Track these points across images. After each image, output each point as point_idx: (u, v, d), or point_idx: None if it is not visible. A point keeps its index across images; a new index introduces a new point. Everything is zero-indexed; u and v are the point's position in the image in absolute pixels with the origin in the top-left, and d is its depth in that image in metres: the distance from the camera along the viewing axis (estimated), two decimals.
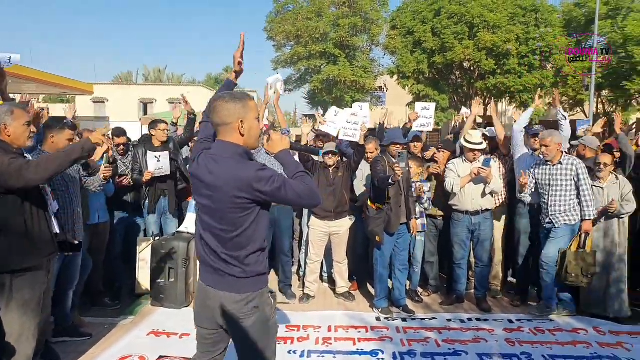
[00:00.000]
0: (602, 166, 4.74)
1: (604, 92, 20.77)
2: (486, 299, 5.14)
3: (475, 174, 4.88)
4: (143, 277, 5.16)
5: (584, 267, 4.51)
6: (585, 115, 20.35)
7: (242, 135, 2.11)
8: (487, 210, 5.05)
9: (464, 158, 5.13)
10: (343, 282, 5.34)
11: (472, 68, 20.90)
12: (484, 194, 4.99)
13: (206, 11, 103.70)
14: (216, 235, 2.11)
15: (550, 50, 19.56)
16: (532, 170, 4.86)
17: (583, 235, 4.61)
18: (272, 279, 5.63)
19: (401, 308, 4.90)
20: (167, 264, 4.86)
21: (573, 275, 4.52)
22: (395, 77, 22.17)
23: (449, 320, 4.66)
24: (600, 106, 21.30)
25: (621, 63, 18.60)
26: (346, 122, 5.16)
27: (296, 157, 5.00)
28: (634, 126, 15.32)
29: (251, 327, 2.13)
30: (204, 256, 2.18)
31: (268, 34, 22.78)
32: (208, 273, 2.18)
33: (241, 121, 2.09)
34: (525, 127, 5.30)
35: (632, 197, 4.68)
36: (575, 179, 4.62)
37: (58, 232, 3.01)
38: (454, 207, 5.09)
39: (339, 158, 5.17)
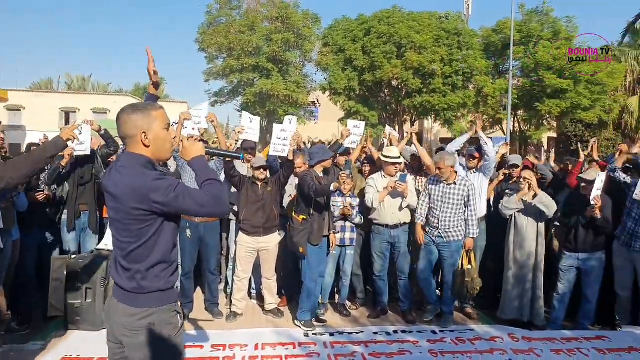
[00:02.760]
0: (523, 180, 5.07)
1: (520, 112, 22.30)
2: (411, 311, 5.29)
3: (391, 187, 5.08)
4: (57, 298, 4.81)
5: (469, 285, 4.86)
6: (504, 132, 21.72)
7: (147, 147, 2.07)
8: (405, 223, 5.27)
9: (383, 173, 5.32)
10: (272, 299, 5.29)
11: (400, 86, 21.70)
12: (401, 208, 5.21)
13: (136, 19, 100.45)
14: (119, 247, 2.07)
15: (471, 72, 20.77)
16: (427, 187, 5.14)
17: (468, 252, 4.97)
18: (199, 298, 5.47)
19: (313, 319, 4.99)
20: (84, 284, 4.58)
21: (468, 292, 4.89)
22: (328, 93, 22.58)
23: (376, 333, 4.73)
24: (516, 125, 22.83)
25: (533, 86, 20.10)
26: (276, 138, 5.18)
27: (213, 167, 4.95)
28: (543, 146, 16.51)
29: (143, 344, 2.04)
30: (112, 268, 2.14)
31: (200, 45, 22.41)
32: (115, 285, 2.14)
33: (144, 132, 2.05)
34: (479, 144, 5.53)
35: (551, 201, 4.99)
36: (466, 199, 4.93)
37: None
38: (374, 221, 5.27)
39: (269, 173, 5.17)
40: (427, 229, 5.12)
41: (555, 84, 18.99)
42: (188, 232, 4.98)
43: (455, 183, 4.93)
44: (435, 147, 5.84)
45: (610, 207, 4.83)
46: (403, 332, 4.78)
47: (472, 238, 4.97)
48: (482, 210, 5.29)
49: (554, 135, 26.47)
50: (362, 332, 4.77)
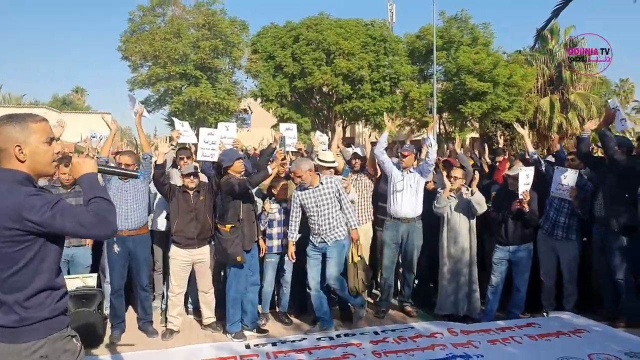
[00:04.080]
0: (453, 179, 5.21)
1: (445, 115, 23.28)
2: (351, 313, 5.30)
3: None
4: None
5: (363, 278, 4.81)
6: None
7: (23, 162, 1.87)
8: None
9: None
10: (210, 312, 5.08)
11: (330, 92, 21.93)
12: None
13: (53, 27, 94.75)
14: None
15: (398, 77, 21.40)
16: (296, 198, 4.94)
17: (356, 243, 4.88)
18: (131, 316, 5.15)
19: (255, 330, 4.89)
20: None
21: (365, 283, 4.88)
22: (259, 99, 22.39)
23: (319, 339, 4.67)
24: (442, 127, 23.81)
25: (456, 89, 21.07)
26: (204, 142, 5.01)
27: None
28: (468, 144, 17.28)
29: None
30: None
31: (123, 53, 21.46)
32: None
33: (18, 146, 1.85)
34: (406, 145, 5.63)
35: (483, 199, 5.18)
36: (337, 196, 4.83)
37: None
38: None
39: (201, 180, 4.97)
40: (311, 237, 4.96)
41: (476, 86, 20.00)
42: (115, 247, 4.68)
43: (321, 183, 4.79)
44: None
45: (536, 199, 5.09)
46: (346, 335, 4.75)
47: (356, 229, 4.86)
48: (418, 209, 5.39)
49: (477, 135, 27.89)
50: (304, 339, 4.69)
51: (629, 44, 76.78)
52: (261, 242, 5.06)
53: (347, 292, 4.88)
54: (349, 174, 5.30)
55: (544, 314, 5.26)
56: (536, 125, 26.75)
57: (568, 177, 5.00)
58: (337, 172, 5.50)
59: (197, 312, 5.28)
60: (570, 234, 5.12)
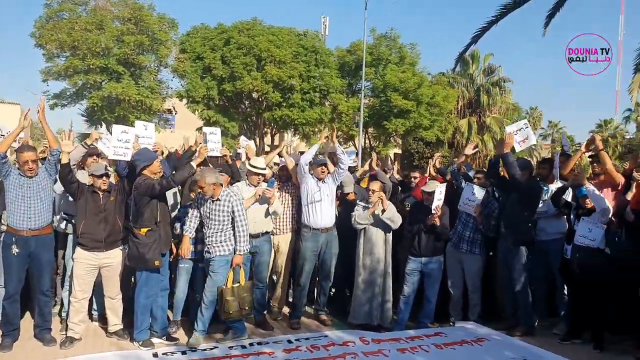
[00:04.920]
0: (371, 193, 5.34)
1: (370, 129, 23.98)
2: (266, 321, 5.27)
3: (259, 195, 5.09)
4: None
5: (241, 302, 4.67)
6: (356, 147, 23.15)
7: None
8: (266, 232, 5.29)
9: (247, 182, 5.33)
10: (116, 319, 4.80)
11: (260, 99, 21.83)
12: (267, 215, 5.24)
13: None
14: None
15: (328, 89, 21.76)
16: (196, 202, 4.91)
17: (236, 268, 4.75)
18: (27, 323, 4.76)
19: (164, 337, 4.75)
20: None
21: (231, 312, 4.63)
22: (185, 100, 21.76)
23: (231, 347, 4.58)
24: (367, 141, 24.50)
25: (382, 106, 21.80)
26: (117, 141, 4.75)
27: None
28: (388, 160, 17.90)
29: None
30: None
31: (37, 40, 19.97)
32: None
33: None
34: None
35: (397, 215, 5.34)
36: (231, 214, 4.71)
37: None
38: None
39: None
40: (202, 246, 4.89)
41: (400, 104, 20.81)
42: (14, 248, 4.32)
43: (219, 199, 4.67)
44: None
45: (448, 214, 5.37)
46: (259, 344, 4.69)
47: (240, 255, 4.71)
48: (334, 217, 5.49)
49: (399, 151, 29.00)
50: (216, 347, 4.57)
51: (536, 75, 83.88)
52: (173, 246, 4.92)
53: (213, 312, 4.72)
54: (275, 185, 5.25)
55: (451, 323, 5.52)
56: (454, 144, 28.35)
57: (476, 194, 5.32)
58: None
59: (103, 319, 4.98)
60: (474, 247, 5.43)
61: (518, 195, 5.21)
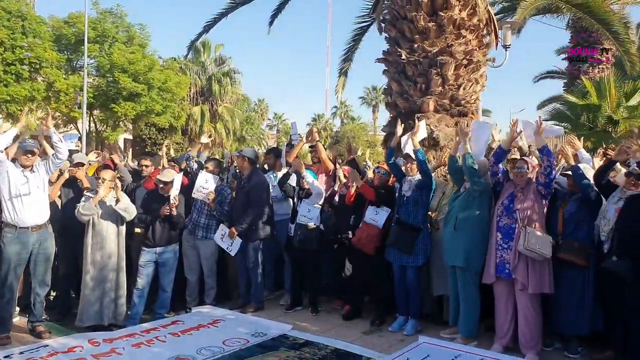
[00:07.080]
0: (101, 181, 4.96)
1: (96, 112, 21.77)
2: None
3: None
4: None
5: None
6: (79, 131, 20.79)
7: None
8: None
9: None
10: None
11: None
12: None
13: None
14: None
15: (40, 63, 18.74)
16: None
17: None
18: None
19: None
20: None
21: None
22: None
23: None
24: (93, 125, 22.20)
25: (109, 87, 20.03)
26: None
27: None
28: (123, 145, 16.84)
29: None
30: None
31: None
32: None
33: None
34: None
35: (132, 206, 5.09)
36: None
37: None
38: None
39: None
40: None
41: (130, 87, 19.52)
42: None
43: None
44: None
45: (184, 203, 5.38)
46: None
47: None
48: (48, 211, 4.83)
49: (130, 137, 27.37)
50: None
51: (264, 68, 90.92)
52: None
53: None
54: None
55: (187, 310, 5.57)
56: (188, 132, 28.37)
57: (209, 181, 5.49)
58: None
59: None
60: (209, 233, 5.60)
61: None
